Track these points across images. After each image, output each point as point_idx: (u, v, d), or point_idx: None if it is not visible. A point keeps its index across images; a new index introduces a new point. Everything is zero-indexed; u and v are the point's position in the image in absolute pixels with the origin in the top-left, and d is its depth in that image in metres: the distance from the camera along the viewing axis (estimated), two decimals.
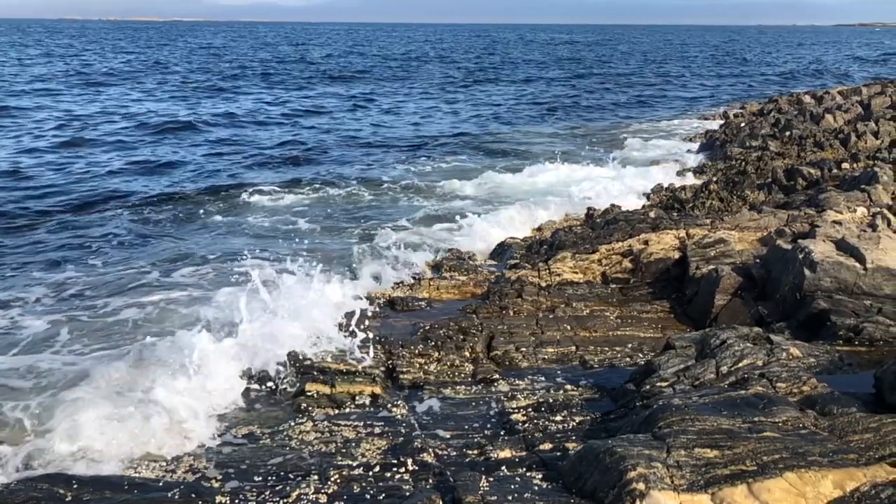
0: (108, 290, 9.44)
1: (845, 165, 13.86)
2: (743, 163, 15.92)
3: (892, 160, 13.69)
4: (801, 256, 7.49)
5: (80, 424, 5.33)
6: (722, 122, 25.43)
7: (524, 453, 4.92)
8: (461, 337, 7.43)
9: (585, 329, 7.70)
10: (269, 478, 4.92)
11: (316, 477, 4.79)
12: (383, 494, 4.48)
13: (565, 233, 10.95)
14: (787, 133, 18.89)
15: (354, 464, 5.00)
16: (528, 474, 4.45)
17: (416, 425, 5.64)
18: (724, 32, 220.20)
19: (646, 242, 9.23)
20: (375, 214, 14.01)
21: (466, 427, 5.61)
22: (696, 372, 5.49)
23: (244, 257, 10.65)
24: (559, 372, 6.67)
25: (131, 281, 9.75)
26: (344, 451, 5.26)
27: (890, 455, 3.93)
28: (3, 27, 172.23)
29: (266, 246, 11.57)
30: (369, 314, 8.03)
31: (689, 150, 20.03)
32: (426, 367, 6.91)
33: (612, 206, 13.01)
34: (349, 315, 7.70)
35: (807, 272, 7.30)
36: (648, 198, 14.38)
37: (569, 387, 6.19)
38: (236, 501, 4.55)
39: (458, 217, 12.84)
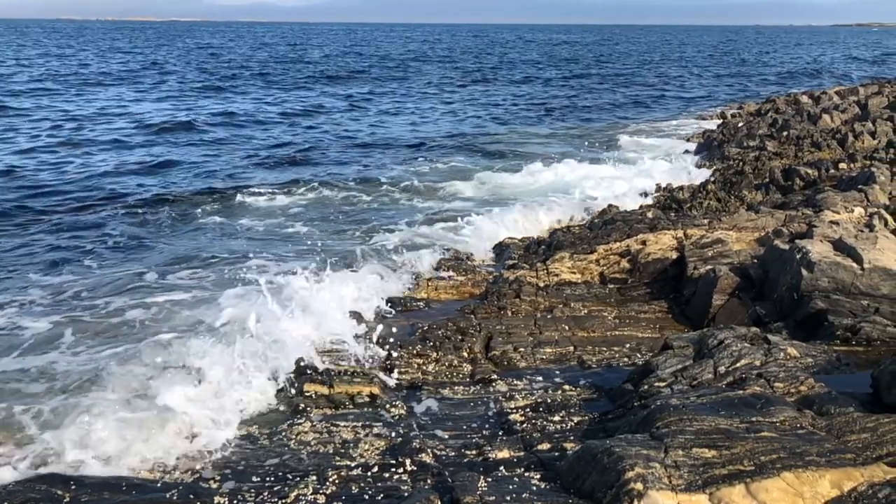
0: (108, 290, 9.42)
1: (842, 166, 13.88)
2: (740, 163, 15.95)
3: (889, 160, 13.72)
4: (798, 256, 7.51)
5: (95, 431, 5.31)
6: (719, 122, 25.46)
7: (522, 453, 4.93)
8: (459, 337, 7.44)
9: (583, 329, 7.71)
10: (268, 478, 4.92)
11: (314, 477, 4.79)
12: (382, 495, 4.49)
13: (563, 233, 10.96)
14: (785, 133, 18.92)
15: (353, 464, 5.00)
16: (526, 474, 4.46)
17: (415, 426, 5.65)
18: (722, 33, 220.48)
19: (643, 243, 9.24)
20: (375, 215, 14.00)
21: (465, 427, 5.61)
22: (693, 372, 5.50)
23: (246, 259, 10.67)
24: (557, 372, 6.68)
25: (131, 282, 9.73)
26: (342, 451, 5.26)
27: (887, 455, 3.94)
28: (0, 27, 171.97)
29: (265, 247, 11.57)
30: (369, 315, 8.05)
31: (686, 151, 20.05)
32: (424, 368, 6.92)
33: (610, 206, 13.02)
34: (350, 316, 7.71)
35: (804, 272, 7.31)
36: (647, 196, 14.41)
37: (567, 387, 6.20)
38: (234, 502, 4.55)
39: (461, 218, 12.83)
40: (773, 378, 5.14)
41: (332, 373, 6.39)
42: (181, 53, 70.05)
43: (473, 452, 5.08)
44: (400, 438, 5.39)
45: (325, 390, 6.20)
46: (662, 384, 5.41)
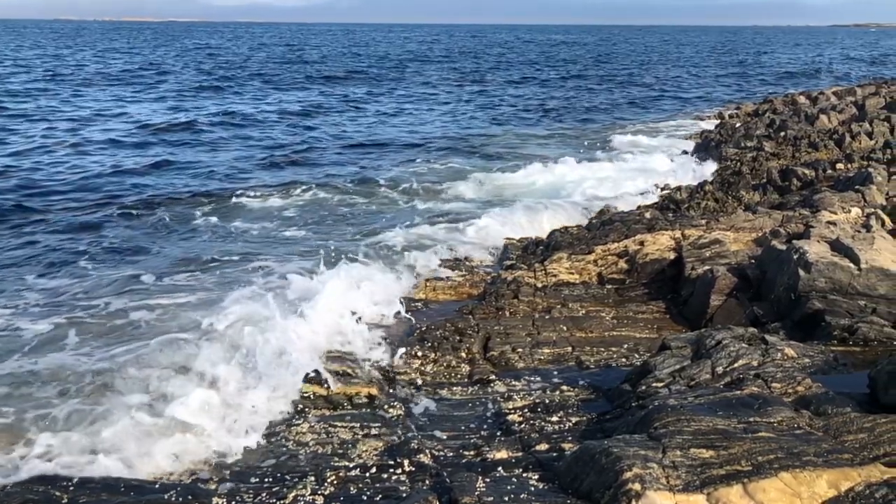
0: (108, 292, 9.39)
1: (840, 166, 13.91)
2: (738, 163, 15.97)
3: (886, 161, 13.74)
4: (795, 257, 7.52)
5: (108, 436, 5.31)
6: (717, 122, 25.49)
7: (520, 454, 4.94)
8: (457, 338, 7.45)
9: (581, 330, 7.72)
10: (266, 479, 4.93)
11: (313, 478, 4.80)
12: (380, 495, 4.49)
13: (561, 233, 10.97)
14: (782, 133, 18.94)
15: (351, 465, 5.01)
16: (524, 475, 4.47)
17: (413, 426, 5.65)
18: (720, 33, 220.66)
19: (641, 243, 9.25)
20: (373, 216, 14.01)
21: (463, 428, 5.62)
22: (691, 372, 5.51)
23: (245, 260, 10.66)
24: (555, 372, 6.69)
25: (132, 284, 9.70)
26: (341, 452, 5.27)
27: (884, 455, 3.96)
28: None
29: (264, 249, 11.56)
30: (369, 316, 8.05)
31: (684, 151, 20.07)
32: (423, 368, 6.93)
33: (608, 207, 13.04)
34: (350, 317, 7.71)
35: (801, 273, 7.33)
36: (649, 194, 14.44)
37: (565, 387, 6.21)
38: (233, 503, 4.55)
39: (461, 220, 12.85)
40: (770, 378, 5.16)
41: (331, 373, 6.39)
42: (178, 54, 69.99)
43: (472, 453, 5.09)
44: (398, 439, 5.39)
45: (323, 391, 6.21)
46: (660, 384, 5.43)
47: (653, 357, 5.91)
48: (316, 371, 6.44)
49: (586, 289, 8.81)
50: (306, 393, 6.17)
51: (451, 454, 5.12)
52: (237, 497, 4.62)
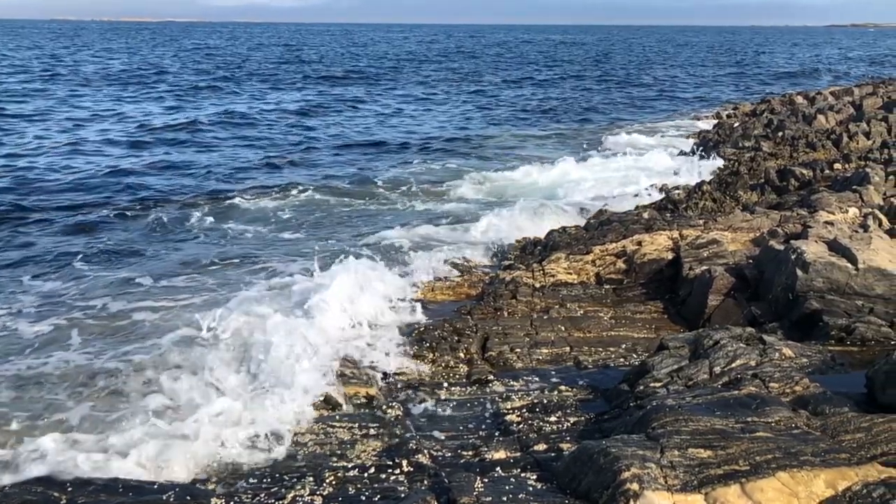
0: (107, 293, 9.36)
1: (837, 166, 13.93)
2: (736, 163, 15.99)
3: (883, 161, 13.76)
4: (793, 257, 7.53)
5: (122, 441, 5.32)
6: (715, 122, 25.52)
7: (519, 454, 4.95)
8: (456, 338, 7.45)
9: (579, 330, 7.73)
10: (264, 479, 4.93)
11: (311, 478, 4.80)
12: (378, 496, 4.50)
13: (559, 234, 10.98)
14: (780, 134, 18.97)
15: (350, 465, 5.01)
16: (522, 475, 4.47)
17: (411, 427, 5.66)
18: (719, 33, 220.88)
19: (639, 243, 9.26)
20: (372, 217, 14.00)
21: (461, 428, 5.63)
22: (689, 372, 5.52)
23: (245, 262, 10.62)
24: (553, 373, 6.69)
25: (130, 285, 9.68)
26: (339, 452, 5.28)
27: (881, 454, 3.97)
28: None
29: (263, 250, 11.55)
30: (368, 316, 8.05)
31: (682, 151, 20.08)
32: (421, 369, 6.93)
33: (605, 207, 13.05)
34: (349, 318, 7.72)
35: (799, 273, 7.34)
36: (650, 191, 14.46)
37: (563, 387, 6.22)
38: (231, 503, 4.56)
39: (461, 220, 12.85)
40: (768, 378, 5.16)
41: (329, 374, 6.39)
42: (176, 54, 69.94)
43: (470, 453, 5.09)
44: (397, 439, 5.40)
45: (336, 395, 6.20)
46: (658, 385, 5.44)
47: (651, 357, 5.92)
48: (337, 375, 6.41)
49: (584, 289, 8.82)
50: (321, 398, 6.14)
51: (450, 454, 5.12)
52: (235, 497, 4.63)
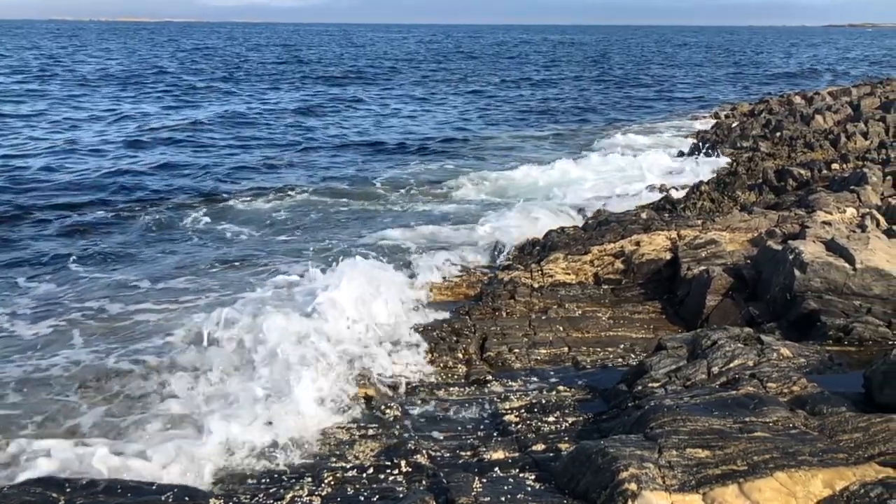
0: (107, 294, 9.37)
1: (835, 166, 13.95)
2: (734, 164, 16.01)
3: (881, 161, 13.79)
4: (791, 257, 7.54)
5: (137, 446, 5.32)
6: (713, 122, 25.54)
7: (517, 454, 4.95)
8: (454, 338, 7.46)
9: (578, 330, 7.73)
10: (263, 479, 4.93)
11: (310, 479, 4.81)
12: (377, 496, 4.50)
13: (557, 234, 10.98)
14: (778, 134, 19.00)
15: (348, 465, 5.02)
16: (521, 475, 4.48)
17: (410, 427, 5.66)
18: (716, 33, 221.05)
19: (637, 243, 9.27)
20: (371, 217, 14.00)
21: (460, 428, 5.63)
22: (687, 372, 5.53)
23: (244, 263, 10.59)
24: (552, 373, 6.70)
25: (129, 287, 9.67)
26: (338, 452, 5.28)
27: (879, 454, 3.97)
28: None
29: (262, 251, 11.53)
30: (366, 317, 8.04)
31: (680, 151, 20.10)
32: (419, 369, 6.92)
33: (604, 207, 13.06)
34: (349, 318, 7.71)
35: (797, 273, 7.35)
36: (650, 190, 14.47)
37: (561, 388, 6.22)
38: (230, 503, 4.56)
39: (466, 219, 12.84)
40: (766, 378, 5.17)
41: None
42: (173, 54, 69.86)
43: (468, 453, 5.09)
44: (395, 440, 5.40)
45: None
46: (656, 385, 5.44)
47: (649, 357, 5.92)
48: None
49: (583, 289, 8.83)
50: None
51: (448, 454, 5.13)
52: (234, 498, 4.63)
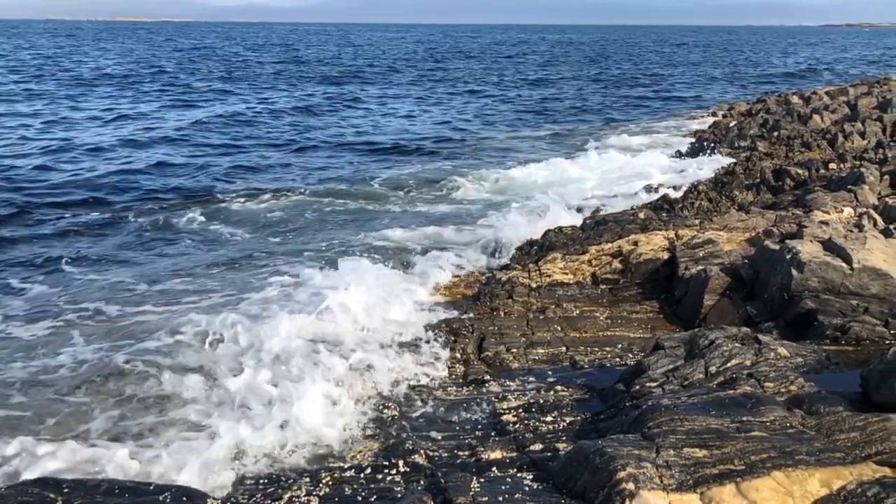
0: (105, 296, 9.34)
1: (832, 166, 13.97)
2: (731, 163, 16.02)
3: (878, 160, 13.81)
4: (788, 257, 7.55)
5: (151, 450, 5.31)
6: (711, 122, 25.57)
7: (515, 454, 4.95)
8: (452, 338, 7.46)
9: (576, 330, 7.74)
10: (261, 480, 4.93)
11: (307, 479, 4.80)
12: (375, 496, 4.50)
13: (555, 234, 10.99)
14: (776, 133, 19.02)
15: (346, 465, 5.02)
16: (518, 475, 4.48)
17: (408, 427, 5.66)
18: (714, 33, 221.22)
19: (635, 243, 9.28)
20: (369, 218, 14.00)
21: (457, 428, 5.63)
22: (685, 372, 5.53)
23: (244, 264, 10.55)
24: (550, 373, 6.70)
25: (129, 288, 9.65)
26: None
27: (876, 453, 3.98)
28: None
29: (261, 253, 11.51)
30: (365, 317, 8.04)
31: (678, 151, 20.12)
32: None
33: (601, 206, 13.06)
34: (348, 318, 7.72)
35: (794, 272, 7.36)
36: (650, 190, 14.49)
37: (559, 387, 6.22)
38: None
39: (464, 219, 12.83)
40: (763, 378, 5.18)
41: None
42: (171, 54, 69.77)
43: (466, 453, 5.10)
44: (393, 440, 5.40)
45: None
46: (654, 384, 5.45)
47: (646, 357, 5.93)
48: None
49: (580, 289, 8.83)
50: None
51: (446, 454, 5.13)
52: (232, 498, 4.63)
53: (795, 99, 27.39)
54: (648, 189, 14.91)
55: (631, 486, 3.68)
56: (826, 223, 8.89)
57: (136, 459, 5.21)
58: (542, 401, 5.91)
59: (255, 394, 6.05)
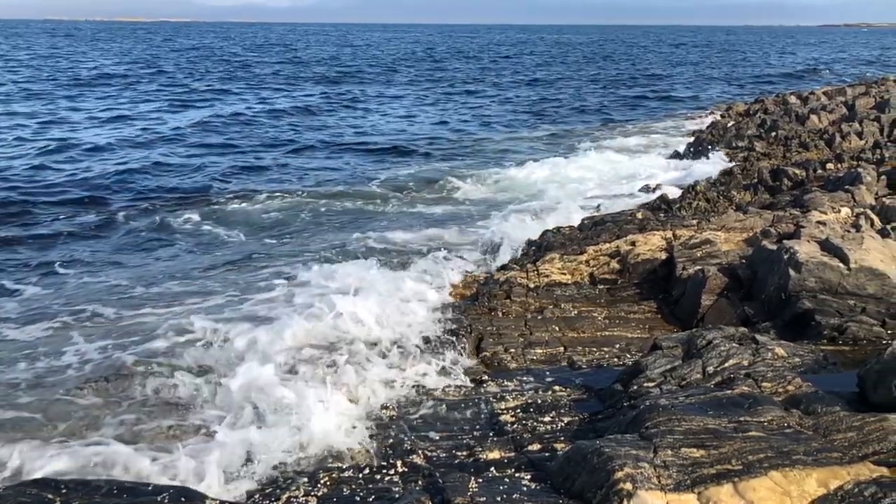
0: (105, 298, 9.31)
1: (830, 166, 13.99)
2: (729, 163, 16.04)
3: (875, 161, 13.84)
4: (786, 257, 7.57)
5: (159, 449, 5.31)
6: (709, 122, 25.59)
7: (513, 454, 4.96)
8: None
9: (573, 330, 7.75)
10: (261, 480, 4.93)
11: (306, 479, 4.81)
12: (373, 496, 4.50)
13: (553, 234, 10.99)
14: (773, 134, 19.03)
15: (344, 466, 5.02)
16: (516, 475, 4.48)
17: (406, 427, 5.66)
18: (712, 33, 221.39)
19: (633, 243, 9.29)
20: (368, 218, 14.00)
21: (456, 428, 5.63)
22: (682, 372, 5.54)
23: (243, 265, 10.53)
24: (547, 373, 6.71)
25: (128, 290, 9.63)
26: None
27: (873, 453, 3.99)
28: None
29: (259, 253, 11.51)
30: (364, 316, 8.05)
31: (676, 151, 20.14)
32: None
33: (599, 207, 13.08)
34: (347, 318, 7.73)
35: (792, 272, 7.37)
36: (649, 191, 14.52)
37: (557, 387, 6.23)
38: None
39: (462, 219, 12.84)
40: (760, 378, 5.19)
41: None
42: (169, 55, 69.70)
43: (464, 453, 5.10)
44: (391, 440, 5.41)
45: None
46: (652, 384, 5.45)
47: (644, 357, 5.94)
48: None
49: (578, 289, 8.84)
50: None
51: (444, 455, 5.13)
52: (231, 499, 4.63)
53: (793, 99, 27.41)
54: (646, 189, 14.93)
55: (629, 486, 3.69)
56: (823, 223, 8.90)
57: (137, 459, 5.20)
58: (540, 401, 5.92)
59: (258, 396, 6.05)
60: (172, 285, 9.77)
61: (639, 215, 11.18)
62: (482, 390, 6.34)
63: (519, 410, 5.76)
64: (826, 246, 7.79)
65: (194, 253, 11.61)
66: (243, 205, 14.81)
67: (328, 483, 4.74)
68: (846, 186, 11.25)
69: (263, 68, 53.69)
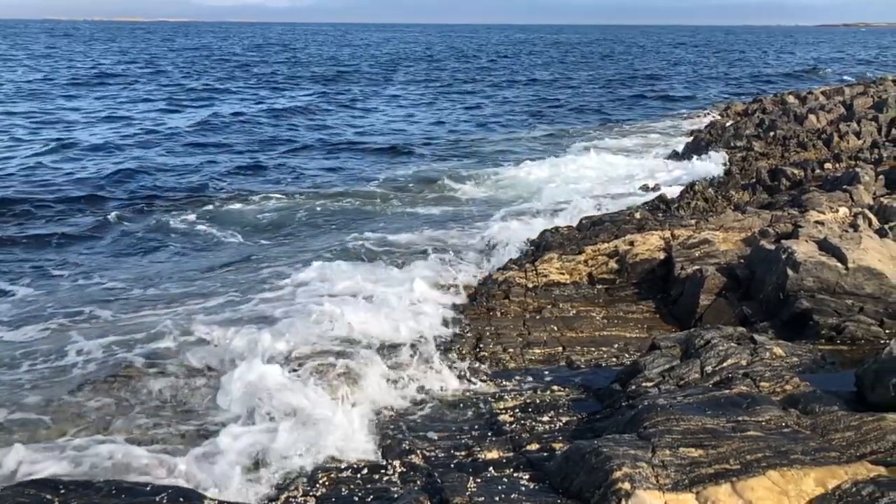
0: (101, 297, 9.32)
1: (828, 166, 14.00)
2: (728, 163, 16.05)
3: (873, 160, 13.85)
4: (784, 257, 7.58)
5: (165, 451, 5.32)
6: (707, 122, 25.60)
7: (511, 454, 4.96)
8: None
9: (572, 329, 7.75)
10: (260, 480, 4.93)
11: (304, 479, 4.81)
12: (372, 496, 4.51)
13: (552, 234, 11.00)
14: (772, 133, 19.03)
15: (343, 466, 5.02)
16: (515, 475, 4.49)
17: (405, 427, 5.67)
18: (711, 32, 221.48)
19: (631, 243, 9.30)
20: (366, 218, 14.00)
21: (454, 428, 5.64)
22: (680, 372, 5.54)
23: (249, 265, 10.50)
24: (546, 372, 6.71)
25: (128, 290, 9.62)
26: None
27: (871, 453, 4.00)
28: None
29: (261, 252, 11.49)
30: (363, 316, 8.05)
31: (675, 151, 20.15)
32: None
33: (597, 207, 13.08)
34: (346, 319, 7.73)
35: (790, 272, 7.38)
36: (648, 190, 14.52)
37: (555, 387, 6.23)
38: None
39: (460, 219, 12.84)
40: (758, 377, 5.19)
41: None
42: (168, 55, 69.64)
43: (463, 453, 5.10)
44: (390, 440, 5.41)
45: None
46: (650, 384, 5.46)
47: (642, 357, 5.94)
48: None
49: (577, 289, 8.85)
50: None
51: (443, 454, 5.13)
52: (230, 498, 4.63)
53: (791, 99, 27.43)
54: (645, 189, 14.94)
55: (627, 485, 3.70)
56: (821, 223, 8.91)
57: (140, 460, 5.20)
58: (538, 401, 5.92)
59: (260, 397, 6.05)
60: (172, 286, 9.76)
61: (637, 215, 11.19)
62: (481, 390, 6.34)
63: (517, 410, 5.77)
64: (824, 246, 7.80)
65: (193, 253, 11.60)
66: (241, 205, 14.79)
67: (327, 483, 4.74)
68: (844, 186, 11.26)
69: (262, 68, 53.66)
